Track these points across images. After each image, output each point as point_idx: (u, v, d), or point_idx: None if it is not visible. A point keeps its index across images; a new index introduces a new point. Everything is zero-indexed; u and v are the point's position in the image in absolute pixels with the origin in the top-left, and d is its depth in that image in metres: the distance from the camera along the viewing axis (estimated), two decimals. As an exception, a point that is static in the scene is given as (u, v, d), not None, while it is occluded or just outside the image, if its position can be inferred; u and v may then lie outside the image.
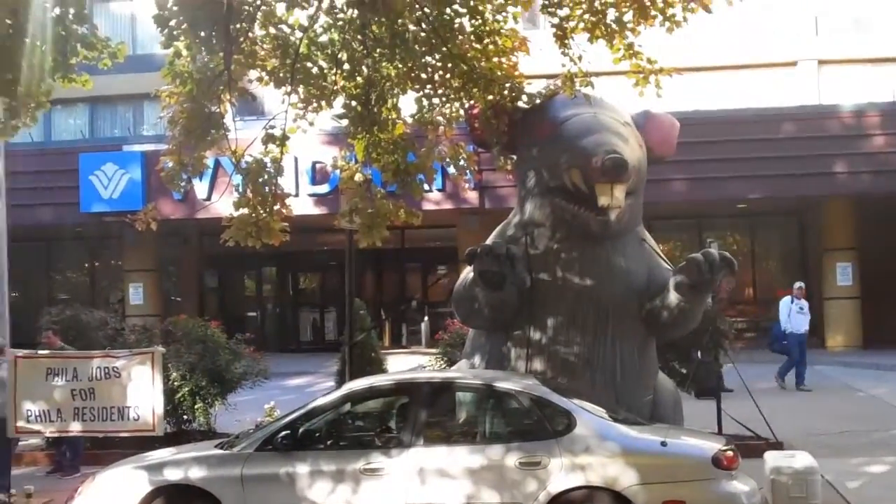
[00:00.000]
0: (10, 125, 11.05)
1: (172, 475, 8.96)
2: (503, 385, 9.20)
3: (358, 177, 11.38)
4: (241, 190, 10.86)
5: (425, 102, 11.10)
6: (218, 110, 10.45)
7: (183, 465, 9.07)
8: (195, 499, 8.79)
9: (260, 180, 10.58)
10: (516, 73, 10.91)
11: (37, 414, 11.78)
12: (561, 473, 8.44)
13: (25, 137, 13.18)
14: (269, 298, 31.68)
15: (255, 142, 10.98)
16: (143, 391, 11.48)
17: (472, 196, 23.85)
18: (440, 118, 11.40)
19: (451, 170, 12.32)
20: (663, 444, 8.62)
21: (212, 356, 14.96)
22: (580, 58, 10.25)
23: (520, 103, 10.93)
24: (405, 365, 17.85)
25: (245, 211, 10.68)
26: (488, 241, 10.60)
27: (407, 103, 11.43)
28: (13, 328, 16.70)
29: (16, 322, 17.47)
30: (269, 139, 10.77)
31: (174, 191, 11.66)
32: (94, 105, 31.75)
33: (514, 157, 11.45)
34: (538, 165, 10.57)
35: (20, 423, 11.88)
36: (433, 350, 16.69)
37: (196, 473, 8.91)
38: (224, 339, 15.41)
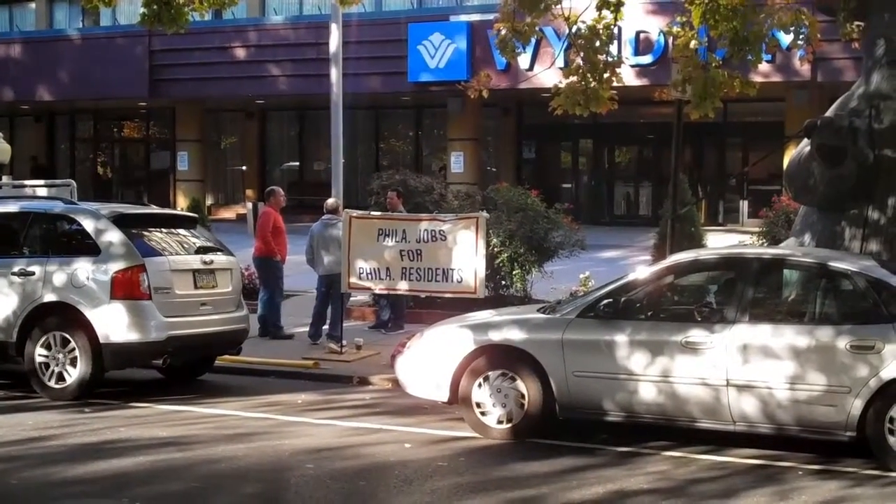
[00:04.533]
0: None
1: (495, 336, 9.21)
2: (838, 265, 8.74)
3: (693, 44, 11.02)
4: (568, 59, 10.78)
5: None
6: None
7: (505, 326, 9.30)
8: (515, 359, 9.01)
9: (591, 48, 10.46)
10: None
11: (368, 272, 12.43)
12: None
13: (358, 8, 13.58)
14: (583, 171, 31.70)
15: (587, 10, 10.83)
16: (466, 255, 11.84)
17: (804, 69, 22.47)
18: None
19: (787, 38, 11.64)
20: None
21: (531, 224, 15.17)
22: None
23: None
24: (722, 242, 17.41)
25: (574, 79, 10.64)
26: (828, 113, 10.00)
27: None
28: (343, 191, 17.60)
29: (346, 185, 18.41)
30: (603, 5, 10.61)
31: (506, 58, 11.74)
32: (422, -25, 32.46)
33: (862, 23, 10.67)
34: (890, 32, 9.82)
35: (352, 280, 12.60)
36: (752, 228, 16.17)
37: (518, 335, 9.11)
38: (543, 209, 15.57)
